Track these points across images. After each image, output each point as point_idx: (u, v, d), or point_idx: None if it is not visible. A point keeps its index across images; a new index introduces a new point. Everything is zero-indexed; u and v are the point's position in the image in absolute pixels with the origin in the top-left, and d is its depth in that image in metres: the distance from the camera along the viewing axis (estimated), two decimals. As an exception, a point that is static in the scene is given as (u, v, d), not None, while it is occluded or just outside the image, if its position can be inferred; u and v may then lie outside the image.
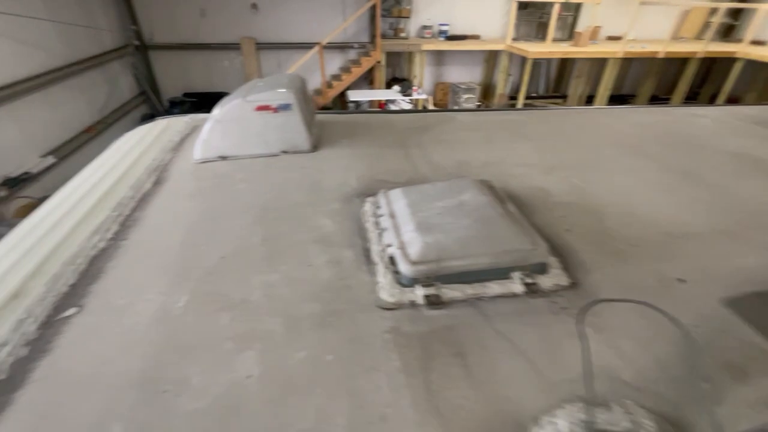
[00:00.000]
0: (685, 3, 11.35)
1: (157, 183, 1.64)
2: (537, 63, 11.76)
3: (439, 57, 12.17)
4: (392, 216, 1.26)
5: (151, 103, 10.00)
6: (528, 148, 2.06)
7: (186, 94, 10.17)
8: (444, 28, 11.59)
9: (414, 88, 10.82)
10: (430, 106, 11.23)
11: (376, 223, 1.31)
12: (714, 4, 11.03)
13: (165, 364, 0.86)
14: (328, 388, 0.81)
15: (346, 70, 10.86)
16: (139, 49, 9.54)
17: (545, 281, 1.11)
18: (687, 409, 0.79)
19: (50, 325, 0.99)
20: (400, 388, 0.81)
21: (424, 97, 10.71)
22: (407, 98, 10.13)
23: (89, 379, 0.84)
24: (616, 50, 10.36)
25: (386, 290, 1.06)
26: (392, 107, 9.52)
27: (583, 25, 11.62)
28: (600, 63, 11.13)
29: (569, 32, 12.15)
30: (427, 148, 1.99)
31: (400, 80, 11.62)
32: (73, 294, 1.08)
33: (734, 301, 1.05)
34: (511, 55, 11.44)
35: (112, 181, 1.66)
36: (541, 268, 1.14)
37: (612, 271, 1.18)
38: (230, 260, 1.17)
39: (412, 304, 1.03)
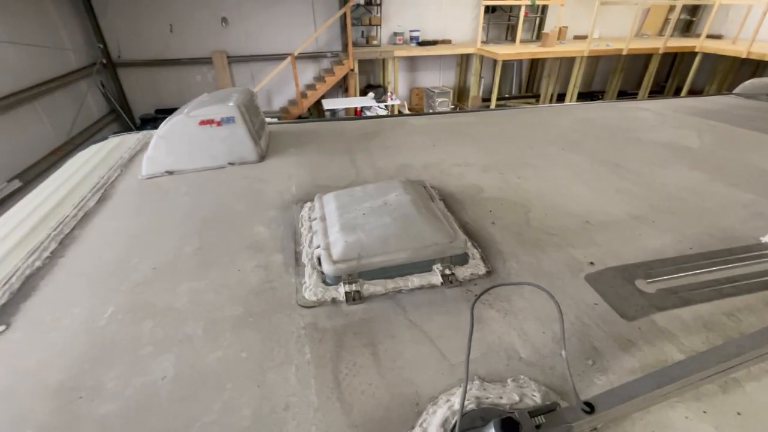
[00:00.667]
0: (643, 2, 11.82)
1: (101, 200, 1.67)
2: (507, 64, 12.05)
3: (412, 63, 12.36)
4: (323, 219, 1.31)
5: (122, 120, 9.88)
6: (470, 149, 2.15)
7: (158, 111, 10.09)
8: (415, 34, 11.79)
9: (388, 94, 10.95)
10: (406, 111, 11.37)
11: (309, 227, 1.37)
12: (672, 2, 11.54)
13: (83, 372, 0.89)
14: (239, 383, 0.85)
15: (320, 79, 10.94)
16: (106, 67, 9.44)
17: (463, 271, 1.18)
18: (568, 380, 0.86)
19: (-24, 344, 1.01)
20: (308, 379, 0.86)
21: (398, 102, 10.86)
22: (382, 104, 10.25)
23: (6, 391, 0.87)
24: (582, 49, 10.71)
25: (311, 290, 1.11)
26: (368, 113, 9.62)
27: (550, 26, 11.99)
28: (568, 62, 11.49)
29: (537, 33, 12.51)
30: (373, 153, 2.06)
31: (375, 87, 11.76)
32: (3, 313, 1.10)
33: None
34: (482, 58, 11.70)
35: (56, 200, 1.67)
36: (462, 260, 1.21)
37: (528, 260, 1.25)
38: (161, 271, 1.20)
39: (333, 301, 1.08)
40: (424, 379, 0.88)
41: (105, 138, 2.39)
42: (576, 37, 12.33)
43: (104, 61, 9.27)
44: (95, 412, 0.81)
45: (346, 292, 1.09)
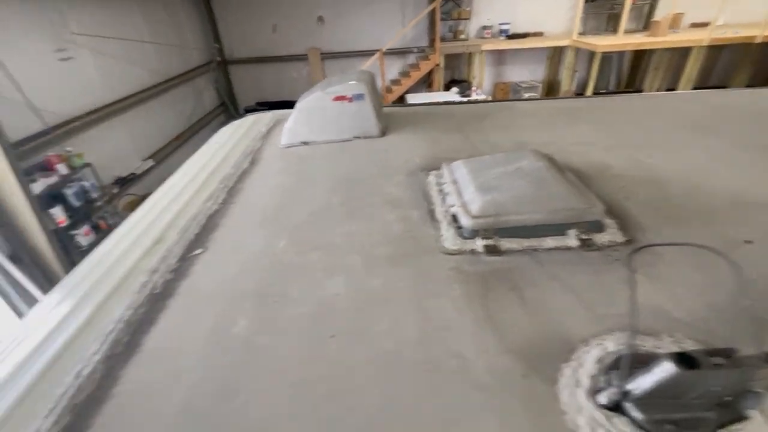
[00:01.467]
0: (789, -21, 9.98)
1: (252, 163, 1.96)
2: (606, 57, 11.07)
3: (499, 57, 11.99)
4: (454, 183, 1.41)
5: (229, 112, 11.12)
6: (588, 130, 2.08)
7: (258, 103, 11.15)
8: (505, 27, 11.41)
9: (473, 88, 10.78)
10: (489, 107, 11.07)
11: (440, 190, 1.47)
12: (828, -22, 9.58)
13: (271, 284, 1.10)
14: (401, 305, 0.98)
15: (405, 74, 11.14)
16: (220, 65, 10.69)
17: (601, 238, 1.19)
18: (737, 344, 0.84)
19: (185, 259, 1.29)
20: (461, 309, 0.96)
21: (483, 97, 10.63)
22: (466, 99, 10.13)
23: (216, 295, 1.10)
24: (701, 38, 9.42)
25: (450, 241, 1.21)
26: (450, 108, 9.57)
27: (661, 13, 10.75)
28: (682, 54, 10.20)
29: (645, 22, 11.30)
30: (486, 132, 2.10)
31: (459, 82, 11.64)
32: (199, 240, 1.38)
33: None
34: (578, 51, 10.93)
35: (217, 162, 2.00)
36: (597, 227, 1.22)
37: (672, 232, 1.21)
38: (316, 216, 1.40)
39: (472, 252, 1.17)
40: (572, 324, 0.92)
41: (222, 121, 2.76)
42: (693, 25, 10.87)
43: (219, 59, 10.50)
44: (288, 313, 0.99)
45: (484, 245, 1.17)
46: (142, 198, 7.19)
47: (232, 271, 1.19)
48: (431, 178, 1.59)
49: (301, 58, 11.25)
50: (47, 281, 4.88)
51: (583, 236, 1.19)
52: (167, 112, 8.44)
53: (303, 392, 0.79)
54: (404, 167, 1.72)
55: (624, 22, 10.35)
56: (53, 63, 5.52)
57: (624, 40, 10.23)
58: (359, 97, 1.99)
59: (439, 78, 11.32)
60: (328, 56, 11.26)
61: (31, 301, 4.72)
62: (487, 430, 0.70)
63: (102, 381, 0.89)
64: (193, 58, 9.67)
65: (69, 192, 5.23)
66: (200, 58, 10.00)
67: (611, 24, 11.44)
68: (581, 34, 10.93)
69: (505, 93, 12.15)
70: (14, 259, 4.66)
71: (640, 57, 11.68)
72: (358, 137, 2.08)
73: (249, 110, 10.78)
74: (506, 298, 0.99)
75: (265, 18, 10.67)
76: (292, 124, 2.06)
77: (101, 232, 5.75)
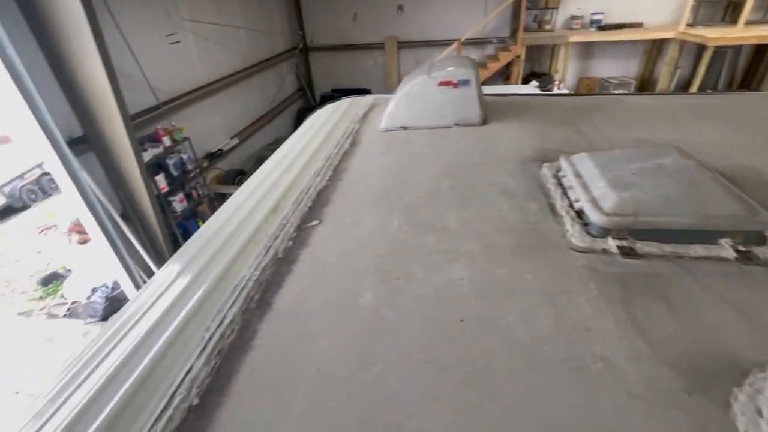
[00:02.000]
0: None
1: (353, 144, 2.00)
2: (719, 52, 9.71)
3: (587, 49, 11.07)
4: (578, 176, 1.31)
5: (306, 98, 11.59)
6: (721, 129, 1.83)
7: (334, 90, 11.48)
8: (597, 17, 10.49)
9: (555, 82, 10.11)
10: (572, 103, 10.31)
11: (558, 184, 1.38)
12: None
13: (391, 262, 1.11)
14: (531, 298, 0.93)
15: (482, 65, 10.75)
16: (302, 51, 11.15)
17: (764, 252, 1.03)
18: None
19: (302, 230, 1.35)
20: (602, 310, 0.89)
21: (565, 92, 9.91)
22: (546, 94, 9.52)
23: (337, 266, 1.14)
24: None
25: (577, 237, 1.13)
26: (528, 103, 9.07)
27: (797, 1, 9.15)
28: (820, 49, 8.62)
29: (774, 12, 9.71)
30: (600, 126, 1.94)
31: (539, 75, 10.97)
32: (312, 212, 1.44)
33: None
34: (683, 44, 9.71)
35: (319, 141, 2.08)
36: (758, 239, 1.06)
37: None
38: (426, 200, 1.39)
39: (604, 252, 1.08)
40: (739, 344, 0.81)
41: (301, 111, 2.84)
42: (843, 15, 9.09)
43: (301, 45, 10.96)
44: (412, 291, 1.00)
45: (618, 246, 1.08)
46: (227, 173, 7.80)
47: (349, 244, 1.22)
48: (545, 170, 1.50)
49: (377, 46, 11.33)
50: (148, 239, 5.52)
51: (741, 247, 1.04)
52: (253, 95, 9.02)
53: (440, 372, 0.78)
54: (513, 157, 1.64)
55: (747, 11, 8.96)
56: (165, 46, 6.14)
57: (744, 32, 8.88)
58: (465, 83, 1.94)
59: (519, 70, 10.75)
60: (404, 45, 11.21)
61: (135, 255, 5.38)
62: (652, 443, 0.64)
63: (242, 332, 0.97)
64: (279, 44, 10.18)
65: (170, 162, 5.83)
66: (285, 45, 10.50)
67: (730, 14, 9.98)
68: (690, 25, 9.67)
69: (590, 89, 11.22)
70: (124, 217, 5.31)
71: (763, 52, 10.09)
72: (458, 124, 2.03)
73: (325, 96, 11.15)
74: (652, 305, 0.90)
75: (347, 7, 10.88)
76: (393, 109, 2.07)
77: (192, 201, 6.35)
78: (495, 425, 0.69)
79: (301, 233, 1.33)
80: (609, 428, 0.67)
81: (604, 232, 1.11)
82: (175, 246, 5.91)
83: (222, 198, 7.35)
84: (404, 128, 2.07)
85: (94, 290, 5.88)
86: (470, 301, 0.94)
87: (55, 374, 0.97)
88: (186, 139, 6.13)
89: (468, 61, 2.05)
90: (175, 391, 0.83)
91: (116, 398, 0.84)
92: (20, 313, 6.05)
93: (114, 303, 5.82)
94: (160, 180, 5.58)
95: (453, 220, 1.25)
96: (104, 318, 5.72)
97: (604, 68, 11.32)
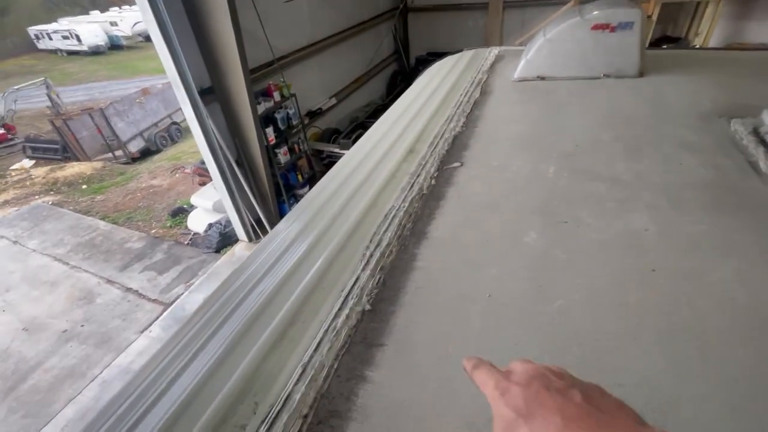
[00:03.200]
0: None
1: (483, 93, 1.90)
2: None
3: (744, 7, 9.00)
4: (794, 131, 1.07)
5: (401, 61, 11.40)
6: None
7: (429, 53, 11.10)
8: (771, -37, 8.39)
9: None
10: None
11: (761, 141, 1.15)
12: None
13: (554, 206, 1.03)
14: (743, 257, 0.80)
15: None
16: (402, 12, 10.87)
17: None
18: None
19: (443, 171, 1.33)
20: None
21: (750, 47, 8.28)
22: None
23: (491, 204, 1.10)
24: None
25: (794, 200, 0.93)
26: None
27: None
28: None
29: None
30: (808, 82, 1.56)
31: (673, 39, 9.29)
32: (451, 155, 1.41)
33: None
34: None
35: (446, 90, 2.01)
36: None
37: None
38: (585, 149, 1.26)
39: None
40: None
41: (394, 75, 2.71)
42: None
43: (402, 5, 10.68)
44: (585, 236, 0.92)
45: None
46: (324, 132, 8.16)
47: (500, 186, 1.17)
48: (737, 126, 1.25)
49: (481, 6, 10.54)
50: (256, 185, 6.10)
51: None
52: (353, 55, 9.14)
53: (635, 317, 0.72)
54: (689, 110, 1.40)
55: None
56: (281, 4, 6.43)
57: None
58: (627, 26, 1.68)
59: (648, 33, 9.20)
60: (510, 4, 10.26)
61: (245, 198, 6.00)
62: None
63: (400, 254, 0.99)
64: (381, 4, 10.03)
65: (278, 117, 6.25)
66: (386, 5, 10.32)
67: None
68: None
69: (743, 57, 9.22)
70: (238, 163, 5.90)
71: None
72: (609, 76, 1.79)
73: (420, 59, 10.85)
74: None
75: (454, -39, 10.21)
76: (533, 56, 1.90)
77: (294, 155, 6.80)
78: (715, 381, 0.61)
79: (443, 174, 1.31)
80: None
81: (840, 197, 0.90)
82: (278, 194, 6.46)
83: (319, 155, 7.76)
84: (542, 78, 1.89)
85: (210, 225, 6.76)
86: (662, 252, 0.84)
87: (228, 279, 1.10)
88: (293, 95, 6.49)
89: (632, 3, 1.77)
90: (348, 295, 0.89)
91: (296, 293, 0.92)
92: (156, 237, 7.27)
93: (225, 238, 6.64)
94: (269, 132, 6.03)
95: (624, 170, 1.12)
96: (217, 250, 6.58)
97: (764, 32, 9.15)
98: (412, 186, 1.26)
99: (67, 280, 6.50)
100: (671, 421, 0.57)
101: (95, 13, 30.94)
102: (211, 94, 5.55)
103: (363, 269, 0.97)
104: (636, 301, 0.74)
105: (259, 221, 6.31)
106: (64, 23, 27.75)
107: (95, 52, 26.30)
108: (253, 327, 0.86)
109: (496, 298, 0.81)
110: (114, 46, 27.50)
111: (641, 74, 1.77)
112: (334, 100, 8.44)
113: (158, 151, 11.88)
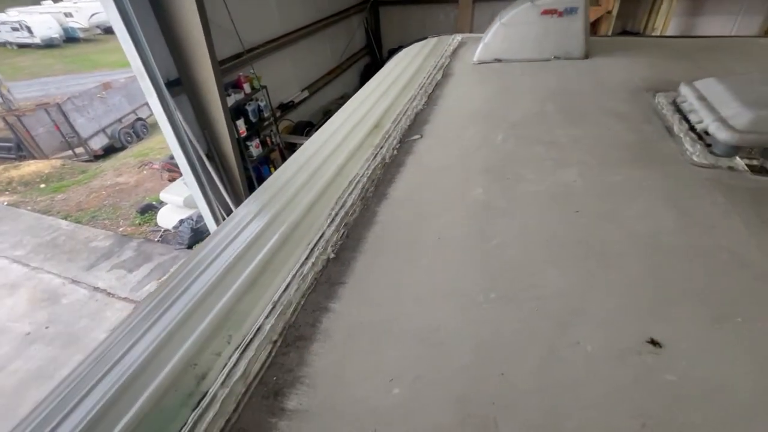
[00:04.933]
0: None
1: (445, 76, 2.01)
2: None
3: (696, 3, 9.61)
4: (702, 99, 1.23)
5: (373, 54, 11.45)
6: None
7: (401, 46, 11.20)
8: (716, -37, 8.97)
9: (650, 43, 8.97)
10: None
11: (677, 109, 1.31)
12: None
13: (501, 166, 1.16)
14: (650, 199, 0.94)
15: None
16: (373, 5, 10.90)
17: None
18: None
19: (405, 142, 1.43)
20: (728, 213, 0.88)
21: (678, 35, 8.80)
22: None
23: (445, 168, 1.22)
24: None
25: (698, 155, 1.09)
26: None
27: None
28: None
29: None
30: (724, 62, 1.76)
31: (632, 34, 9.80)
32: (412, 129, 1.52)
33: None
34: (827, -3, 8.07)
35: (410, 74, 2.11)
36: None
37: None
38: (531, 119, 1.40)
39: (731, 169, 1.04)
40: None
41: (367, 67, 2.82)
42: None
43: (372, -2, 10.70)
44: (524, 188, 1.05)
45: (748, 164, 1.03)
46: (296, 124, 8.12)
47: (454, 152, 1.29)
48: (660, 98, 1.42)
49: (451, 0, 10.73)
50: (228, 179, 6.03)
51: None
52: (324, 48, 9.11)
53: (559, 248, 0.84)
54: (623, 86, 1.57)
55: None
56: (247, -6, 6.36)
57: None
58: (572, 11, 1.83)
59: (607, 28, 9.66)
60: (480, -1, 10.50)
61: (217, 192, 5.92)
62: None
63: (363, 212, 1.09)
64: (351, -3, 10.04)
65: (249, 109, 6.19)
66: (356, -2, 10.34)
67: None
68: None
69: (693, 52, 9.84)
70: (208, 156, 5.81)
71: None
72: (559, 58, 1.95)
73: (392, 52, 10.93)
74: (788, 215, 0.87)
75: (423, -45, 10.33)
76: (490, 40, 2.03)
77: (266, 147, 6.76)
78: (613, 291, 0.74)
79: (404, 145, 1.42)
80: (734, 301, 0.70)
81: (732, 151, 1.06)
82: (251, 188, 6.40)
83: (292, 147, 7.71)
84: (498, 61, 2.03)
85: (181, 221, 6.63)
86: (585, 198, 0.97)
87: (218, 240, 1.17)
88: (264, 87, 6.43)
89: (575, -9, 1.93)
90: (314, 247, 0.98)
91: (266, 249, 1.00)
92: (124, 235, 7.05)
93: (197, 234, 6.53)
94: (240, 125, 5.97)
95: (562, 135, 1.26)
96: (189, 246, 6.47)
97: (715, 26, 9.79)
98: (375, 156, 1.36)
99: (29, 282, 6.21)
100: (579, 320, 0.69)
101: (48, 3, 29.12)
102: (178, 85, 5.43)
103: (328, 226, 1.05)
104: (560, 235, 0.87)
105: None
106: (13, 14, 25.98)
107: (49, 45, 24.82)
108: (227, 277, 0.93)
109: (443, 241, 0.92)
110: (70, 38, 26.02)
111: (586, 56, 1.93)
112: (306, 93, 8.39)
113: (123, 148, 11.43)
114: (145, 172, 9.23)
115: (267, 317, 0.81)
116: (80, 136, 10.89)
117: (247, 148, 6.30)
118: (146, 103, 13.05)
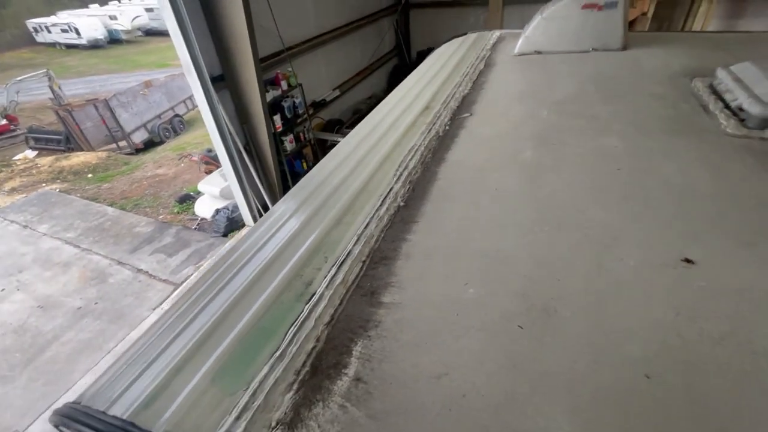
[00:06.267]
0: None
1: (487, 66, 2.16)
2: None
3: (736, 6, 9.35)
4: (737, 81, 1.34)
5: (402, 56, 11.67)
6: None
7: (431, 48, 11.37)
8: (759, -36, 8.72)
9: (687, 45, 8.79)
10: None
11: (713, 92, 1.42)
12: None
13: (545, 135, 1.30)
14: (686, 160, 1.07)
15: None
16: (404, 8, 11.13)
17: None
18: None
19: (455, 119, 1.60)
20: (758, 172, 1.00)
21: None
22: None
23: (496, 137, 1.37)
24: None
25: (731, 128, 1.21)
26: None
27: None
28: None
29: None
30: (763, 51, 1.83)
31: (667, 37, 9.60)
32: (461, 108, 1.68)
33: None
34: None
35: (453, 64, 2.27)
36: None
37: None
38: (572, 98, 1.54)
39: (762, 139, 1.15)
40: None
41: (395, 69, 2.97)
42: None
43: (404, 1, 10.93)
44: (568, 152, 1.19)
45: (779, 135, 1.14)
46: (327, 122, 8.40)
47: (503, 125, 1.44)
48: (697, 82, 1.53)
49: (481, 3, 10.82)
50: (263, 171, 6.34)
51: None
52: (356, 49, 9.39)
53: (601, 194, 0.99)
54: (661, 72, 1.68)
55: None
56: (288, -4, 6.69)
57: None
58: (612, 5, 1.95)
59: (642, 29, 9.52)
60: (510, 2, 10.55)
61: (252, 183, 6.23)
62: None
63: (424, 173, 1.26)
64: (382, 0, 10.30)
65: (285, 105, 6.50)
66: (388, 1, 10.59)
67: None
68: None
69: (732, 55, 9.55)
70: (246, 149, 6.13)
71: None
72: (596, 49, 2.06)
73: (421, 53, 11.12)
74: (813, 173, 0.98)
75: (454, -41, 10.48)
76: (531, 33, 2.17)
77: (299, 143, 7.05)
78: (652, 224, 0.88)
79: (455, 122, 1.58)
80: (760, 232, 0.82)
81: (764, 124, 1.17)
82: (284, 180, 6.69)
83: (323, 144, 7.99)
84: (539, 53, 2.17)
85: (217, 211, 6.99)
86: (625, 159, 1.11)
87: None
88: (299, 84, 6.74)
89: (617, -14, 2.04)
90: (385, 197, 1.16)
91: (341, 201, 1.18)
92: (164, 222, 7.49)
93: (233, 223, 6.87)
94: (277, 120, 6.28)
95: (602, 111, 1.39)
96: (225, 234, 6.82)
97: (757, 29, 9.48)
98: (429, 131, 1.53)
99: (79, 262, 6.71)
100: (622, 244, 0.83)
101: (94, 7, 30.92)
102: (221, 81, 5.77)
103: (396, 182, 1.23)
104: (603, 185, 1.01)
105: (265, 206, 6.55)
106: (63, 16, 27.74)
107: (94, 45, 26.36)
108: (318, 213, 1.12)
109: (499, 191, 1.07)
110: (113, 40, 27.55)
111: (624, 48, 2.04)
112: (337, 92, 8.68)
113: (161, 142, 12.08)
114: (182, 164, 9.74)
115: (355, 244, 0.99)
116: (124, 130, 11.59)
117: (282, 142, 6.60)
118: (183, 101, 13.74)
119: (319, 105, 8.20)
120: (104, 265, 6.58)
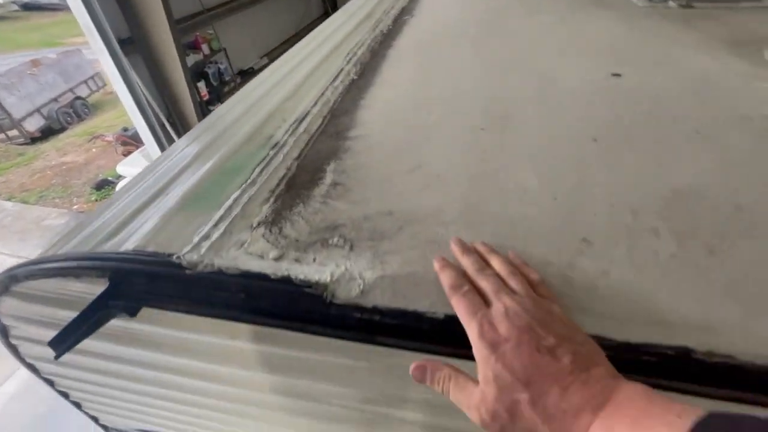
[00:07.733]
0: None
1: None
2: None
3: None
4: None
5: (330, 24, 11.31)
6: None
7: (358, 16, 11.13)
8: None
9: None
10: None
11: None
12: None
13: (487, 19, 1.37)
14: (606, 21, 1.19)
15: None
16: (327, -27, 10.72)
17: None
18: None
19: (397, 21, 1.61)
20: (661, 22, 1.15)
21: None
22: None
23: (441, 26, 1.41)
24: None
25: (641, 2, 1.37)
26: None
27: None
28: None
29: None
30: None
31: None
32: (402, 15, 1.69)
33: None
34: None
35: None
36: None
37: None
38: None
39: (665, 7, 1.32)
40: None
41: None
42: None
43: (327, -35, 10.51)
44: (509, 26, 1.26)
45: (678, 4, 1.32)
46: (258, 92, 7.94)
47: (446, 19, 1.49)
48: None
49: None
50: (194, 143, 5.87)
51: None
52: (282, 14, 8.90)
53: (543, 49, 1.07)
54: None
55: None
56: (199, -51, 6.07)
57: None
58: None
59: None
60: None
61: (183, 157, 5.75)
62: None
63: (373, 57, 1.26)
64: (305, -38, 9.82)
65: (209, 71, 6.01)
66: (310, -36, 10.12)
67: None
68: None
69: None
70: (170, 121, 5.63)
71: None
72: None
73: (350, 21, 10.88)
74: (703, 21, 1.16)
75: None
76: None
77: (230, 113, 6.61)
78: (582, 56, 0.98)
79: (397, 23, 1.59)
80: (666, 54, 0.96)
81: (666, -2, 1.35)
82: (218, 152, 6.25)
83: (256, 114, 7.54)
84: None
85: (144, 193, 6.37)
86: (557, 26, 1.21)
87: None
88: (223, 48, 6.26)
89: None
90: (338, 74, 1.14)
91: (296, 79, 1.15)
92: (80, 212, 6.65)
93: (164, 204, 6.33)
94: (202, 87, 5.81)
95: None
96: (156, 217, 6.26)
97: None
98: (374, 29, 1.52)
99: (-24, 265, 5.77)
100: (561, 74, 0.92)
101: (-51, -23, 25.54)
102: (130, 44, 5.17)
103: (346, 65, 1.21)
104: (542, 43, 1.09)
105: (200, 180, 6.10)
106: None
107: (-44, 24, 21.95)
108: (269, 93, 1.08)
109: (451, 55, 1.12)
110: (-19, 17, 23.16)
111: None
112: (265, 60, 8.23)
113: (63, 129, 10.58)
114: (95, 149, 8.67)
115: (314, 106, 0.97)
116: (12, 116, 9.94)
117: (209, 111, 6.14)
118: (85, 81, 12.09)
119: (247, 73, 7.72)
120: (10, 264, 5.72)
